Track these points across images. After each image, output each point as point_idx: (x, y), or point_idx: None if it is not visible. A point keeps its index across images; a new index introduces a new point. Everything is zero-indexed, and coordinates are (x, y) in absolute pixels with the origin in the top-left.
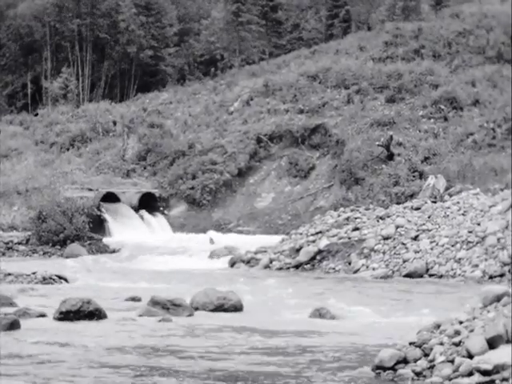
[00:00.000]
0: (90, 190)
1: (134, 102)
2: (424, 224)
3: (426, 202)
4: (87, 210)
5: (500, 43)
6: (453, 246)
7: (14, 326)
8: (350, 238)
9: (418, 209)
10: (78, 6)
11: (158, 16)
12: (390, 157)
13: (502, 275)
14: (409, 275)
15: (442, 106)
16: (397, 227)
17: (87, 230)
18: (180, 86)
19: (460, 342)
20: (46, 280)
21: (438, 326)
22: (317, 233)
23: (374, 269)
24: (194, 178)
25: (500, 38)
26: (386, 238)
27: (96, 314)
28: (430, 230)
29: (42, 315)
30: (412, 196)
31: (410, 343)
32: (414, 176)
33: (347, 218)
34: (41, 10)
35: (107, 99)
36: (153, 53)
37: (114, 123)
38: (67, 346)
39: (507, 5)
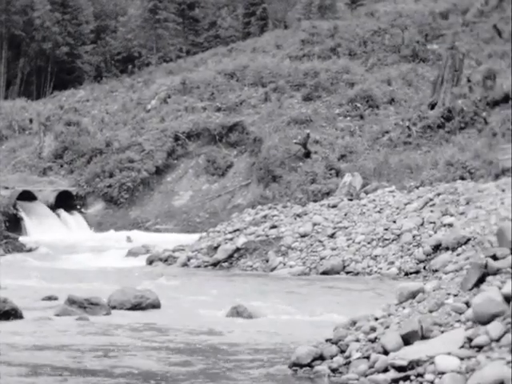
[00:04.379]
0: (6, 188)
1: (51, 100)
2: (340, 221)
3: (342, 200)
4: (3, 209)
5: (415, 42)
6: (369, 243)
7: None
8: (267, 236)
9: (334, 206)
10: None
11: (75, 13)
12: (307, 155)
13: (417, 272)
14: (326, 272)
15: (358, 104)
16: (314, 225)
17: (3, 228)
18: (97, 84)
19: (376, 338)
20: None
21: (354, 323)
22: (234, 231)
23: (291, 266)
24: (111, 176)
25: (414, 36)
26: (303, 236)
27: (12, 314)
28: (346, 228)
29: None
30: (329, 194)
31: (327, 340)
32: (330, 174)
33: (265, 216)
34: None
35: (23, 97)
36: (69, 50)
37: (31, 121)
38: None
39: (421, 4)
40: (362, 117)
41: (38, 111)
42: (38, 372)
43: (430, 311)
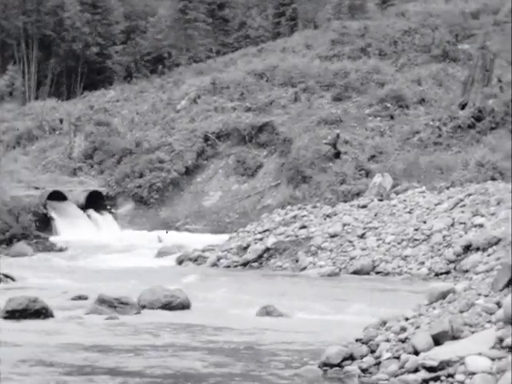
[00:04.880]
0: (37, 188)
1: (81, 100)
2: (370, 222)
3: (372, 200)
4: (34, 209)
5: (445, 42)
6: (399, 243)
7: None
8: (297, 236)
9: (364, 207)
10: (23, 3)
11: (105, 13)
12: (337, 155)
13: (447, 272)
14: (355, 272)
15: (388, 105)
16: (344, 225)
17: (34, 228)
18: (127, 84)
19: (406, 338)
20: None
21: (385, 323)
22: (264, 231)
23: (321, 266)
24: (141, 176)
25: (445, 36)
26: (332, 236)
27: (42, 313)
28: (376, 228)
29: None
30: (358, 194)
31: (357, 340)
32: (360, 174)
33: (294, 216)
34: None
35: (54, 97)
36: (99, 50)
37: (61, 121)
38: (13, 346)
39: (452, 4)
40: (392, 117)
41: (68, 111)
42: (68, 371)
43: (461, 312)
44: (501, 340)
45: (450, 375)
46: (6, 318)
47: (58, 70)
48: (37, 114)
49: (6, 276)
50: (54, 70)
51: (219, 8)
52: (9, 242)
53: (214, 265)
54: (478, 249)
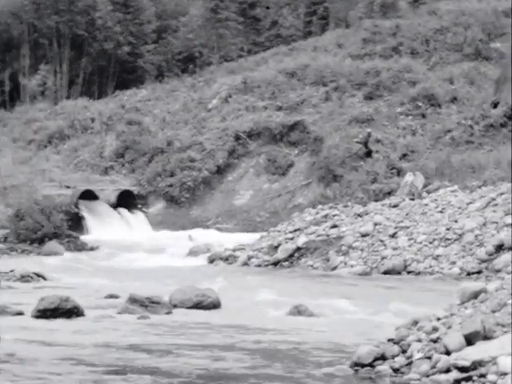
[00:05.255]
0: (68, 187)
1: (113, 99)
2: (402, 221)
3: (403, 200)
4: (65, 208)
5: (477, 40)
6: (431, 243)
7: None
8: (328, 236)
9: (395, 206)
10: (55, 2)
11: (136, 13)
12: (369, 154)
13: (479, 272)
14: (387, 272)
15: (420, 103)
16: (375, 224)
17: (65, 227)
18: (158, 83)
19: (438, 338)
20: (23, 278)
21: (416, 323)
22: (295, 230)
23: (352, 266)
24: (172, 175)
25: (477, 35)
26: (364, 235)
27: (74, 312)
28: (407, 227)
29: (20, 313)
30: (390, 193)
31: (388, 340)
32: (392, 173)
33: (325, 216)
34: (19, 7)
35: (85, 96)
36: (131, 49)
37: (93, 120)
38: (45, 344)
39: (484, 2)
40: (423, 116)
41: (99, 111)
42: (101, 370)
43: (493, 311)
44: None
45: (482, 375)
46: (37, 316)
47: (90, 70)
48: (68, 113)
49: (38, 275)
50: (86, 69)
51: (250, 7)
52: (40, 241)
53: (245, 264)
54: (510, 248)
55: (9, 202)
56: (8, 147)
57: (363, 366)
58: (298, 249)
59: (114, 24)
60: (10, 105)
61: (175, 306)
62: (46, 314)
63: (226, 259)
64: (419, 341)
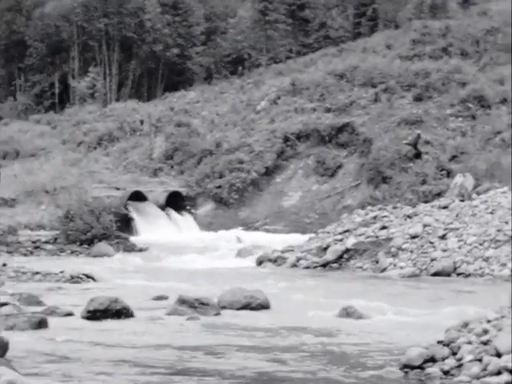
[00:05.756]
0: (118, 189)
1: (162, 101)
2: (452, 223)
3: (453, 201)
4: (114, 209)
5: None
6: (481, 244)
7: (41, 324)
8: (377, 237)
9: (445, 207)
10: (105, 5)
11: (185, 15)
12: (418, 155)
13: None
14: (436, 274)
15: (470, 105)
16: (424, 226)
17: (114, 228)
18: (207, 85)
19: (488, 340)
20: (73, 279)
21: (466, 325)
22: (344, 231)
23: (401, 268)
24: (221, 176)
25: None
26: (413, 237)
27: (123, 313)
28: (457, 229)
29: (70, 314)
30: (439, 195)
31: (438, 342)
32: (441, 174)
33: (375, 217)
34: (68, 10)
35: (134, 98)
36: (179, 51)
37: (142, 122)
38: (95, 345)
39: None
40: (473, 117)
41: (148, 113)
42: (152, 371)
43: None
44: None
45: None
46: (87, 317)
47: (139, 72)
48: (118, 115)
49: (88, 276)
50: (135, 71)
51: (299, 9)
52: (90, 242)
53: (294, 266)
54: None
55: (59, 203)
56: (58, 149)
57: (413, 368)
58: (347, 250)
59: (163, 26)
60: (59, 107)
61: (224, 308)
62: (95, 314)
63: (274, 261)
64: (469, 343)
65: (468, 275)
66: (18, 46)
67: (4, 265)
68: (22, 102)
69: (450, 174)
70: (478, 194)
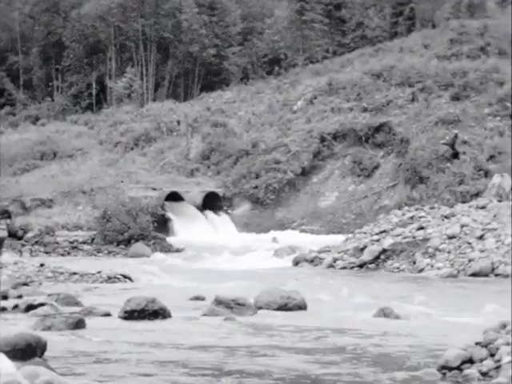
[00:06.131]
0: (154, 189)
1: (198, 102)
2: (489, 223)
3: (491, 201)
4: (151, 210)
5: None
6: None
7: (79, 324)
8: (414, 237)
9: (483, 208)
10: (142, 5)
11: (222, 15)
12: (455, 155)
13: None
14: (474, 275)
15: (508, 104)
16: (462, 226)
17: (151, 229)
18: (243, 85)
19: None
20: (110, 279)
21: (505, 326)
22: (381, 232)
23: (438, 268)
24: (257, 177)
25: None
26: (451, 237)
27: (160, 313)
28: (495, 229)
29: (107, 314)
30: (477, 195)
31: (476, 343)
32: (479, 175)
33: (412, 217)
34: (105, 11)
35: (171, 99)
36: (216, 52)
37: (178, 123)
38: (132, 345)
39: None
40: (511, 116)
41: (185, 113)
42: (189, 372)
43: None
44: None
45: None
46: (124, 317)
47: (176, 72)
48: (154, 115)
49: (125, 276)
50: (172, 71)
51: (336, 8)
52: (127, 242)
53: (331, 266)
54: None
55: (96, 203)
56: (95, 149)
57: (451, 369)
58: (384, 251)
59: (200, 26)
60: (96, 107)
61: (260, 308)
62: (132, 315)
63: (311, 261)
64: (508, 344)
65: (506, 276)
66: (56, 47)
67: (42, 265)
68: (59, 103)
69: (487, 174)
70: None
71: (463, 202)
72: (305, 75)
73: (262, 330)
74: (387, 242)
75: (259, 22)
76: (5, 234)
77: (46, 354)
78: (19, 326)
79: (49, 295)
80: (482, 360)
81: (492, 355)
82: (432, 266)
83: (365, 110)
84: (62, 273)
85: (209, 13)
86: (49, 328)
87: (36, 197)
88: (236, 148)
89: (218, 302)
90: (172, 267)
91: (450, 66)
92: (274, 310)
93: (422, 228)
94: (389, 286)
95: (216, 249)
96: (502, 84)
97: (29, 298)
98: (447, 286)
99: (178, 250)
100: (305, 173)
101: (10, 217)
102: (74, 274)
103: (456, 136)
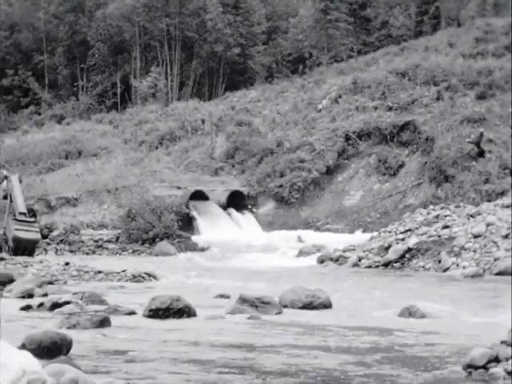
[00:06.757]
0: (179, 188)
1: (223, 101)
2: None
3: None
4: (176, 208)
5: None
6: None
7: (104, 323)
8: (439, 236)
9: (508, 206)
10: (166, 5)
11: (246, 14)
12: (481, 154)
13: None
14: (500, 274)
15: None
16: (487, 225)
17: (176, 228)
18: (268, 84)
19: None
20: (135, 278)
21: None
22: (406, 231)
23: (464, 267)
24: (282, 175)
25: None
26: (476, 236)
27: (185, 312)
28: None
29: (132, 313)
30: (503, 193)
31: (502, 342)
32: (504, 173)
33: (437, 216)
34: (130, 10)
35: (196, 98)
36: (240, 51)
37: (203, 122)
38: (158, 344)
39: None
40: None
41: (209, 112)
42: (215, 370)
43: None
44: None
45: None
46: (149, 316)
47: (200, 71)
48: (179, 114)
49: (149, 275)
50: (196, 71)
51: (361, 7)
52: (152, 241)
53: (355, 265)
54: None
55: (120, 202)
56: (119, 148)
57: (476, 368)
58: (409, 250)
59: (224, 26)
60: (121, 107)
61: (285, 307)
62: (157, 313)
63: (335, 260)
64: None
65: None
66: (81, 47)
67: (67, 264)
68: (84, 102)
69: None
70: None
71: (488, 201)
72: (329, 74)
73: (288, 328)
74: (412, 241)
75: (284, 21)
76: (38, 236)
77: (72, 352)
78: (44, 324)
79: (74, 293)
80: (507, 359)
81: None
82: (457, 265)
83: (390, 108)
84: (86, 271)
85: (233, 12)
86: (74, 326)
87: (61, 196)
88: (260, 147)
89: (243, 300)
90: (197, 266)
91: (475, 64)
92: (299, 308)
93: (447, 227)
94: (414, 285)
95: (241, 247)
96: None
97: (54, 297)
98: (473, 284)
99: (202, 249)
100: (329, 172)
101: (35, 215)
102: (99, 272)
103: (481, 134)
